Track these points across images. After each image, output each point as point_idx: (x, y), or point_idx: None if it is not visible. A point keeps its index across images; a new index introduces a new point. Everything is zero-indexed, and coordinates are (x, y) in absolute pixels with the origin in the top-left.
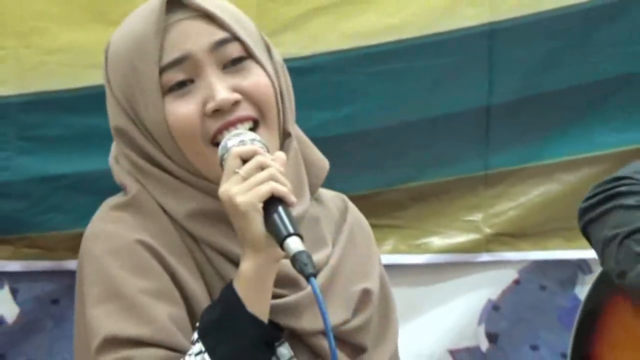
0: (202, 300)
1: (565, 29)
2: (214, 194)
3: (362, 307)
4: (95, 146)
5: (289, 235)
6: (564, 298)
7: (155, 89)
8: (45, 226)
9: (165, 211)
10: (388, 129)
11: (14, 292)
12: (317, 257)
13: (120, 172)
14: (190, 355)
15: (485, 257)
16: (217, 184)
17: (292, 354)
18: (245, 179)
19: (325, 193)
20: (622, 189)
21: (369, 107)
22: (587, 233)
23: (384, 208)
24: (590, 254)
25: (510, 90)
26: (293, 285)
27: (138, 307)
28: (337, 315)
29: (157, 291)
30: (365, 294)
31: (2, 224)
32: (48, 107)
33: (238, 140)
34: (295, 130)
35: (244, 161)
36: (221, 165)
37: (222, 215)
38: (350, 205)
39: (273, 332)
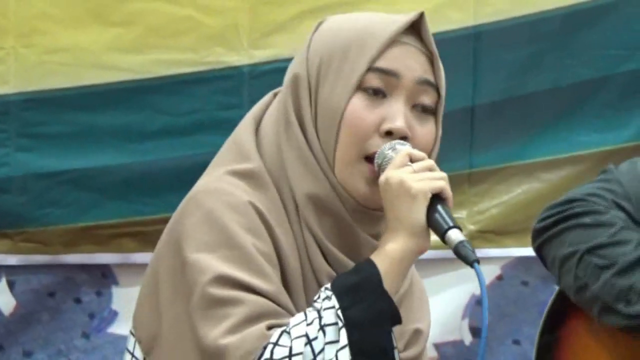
0: (296, 275)
1: (545, 32)
2: (337, 190)
3: (412, 344)
4: (94, 143)
5: (452, 227)
6: (546, 293)
7: (354, 79)
8: (43, 221)
9: (287, 185)
10: None
11: (11, 285)
12: None
13: (249, 137)
14: (313, 310)
15: None
16: (352, 195)
17: (396, 344)
18: (416, 172)
19: None
20: (578, 209)
21: None
22: (542, 253)
23: None
24: None
25: (494, 92)
26: None
27: (253, 260)
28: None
29: (265, 252)
30: (417, 333)
31: (0, 219)
32: (48, 105)
33: (394, 148)
34: None
35: (412, 161)
36: (378, 167)
37: (334, 212)
38: None
39: (398, 314)
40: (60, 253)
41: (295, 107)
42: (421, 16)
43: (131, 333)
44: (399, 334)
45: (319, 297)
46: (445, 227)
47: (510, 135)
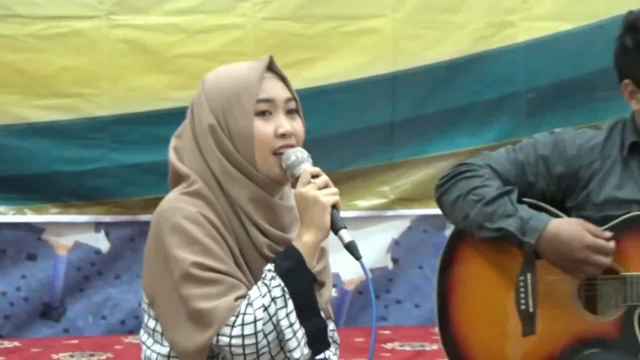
0: (240, 260)
1: (437, 75)
2: (264, 187)
3: (319, 258)
4: (157, 146)
5: (343, 227)
6: (438, 237)
7: (251, 111)
8: (127, 194)
9: (225, 197)
10: (327, 137)
11: (107, 234)
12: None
13: (181, 167)
14: (262, 285)
15: (390, 213)
16: (271, 178)
17: (319, 299)
18: (320, 187)
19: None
20: (462, 168)
21: (320, 122)
22: (440, 201)
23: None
24: None
25: (407, 112)
26: None
27: (214, 252)
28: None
29: (220, 247)
30: (322, 251)
31: (100, 193)
32: (129, 123)
33: (298, 154)
34: None
35: (313, 176)
36: (287, 172)
37: (266, 203)
38: None
39: (317, 280)
40: (138, 214)
41: (220, 148)
42: (271, 58)
43: (143, 290)
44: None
45: (266, 277)
46: (340, 226)
47: (416, 138)
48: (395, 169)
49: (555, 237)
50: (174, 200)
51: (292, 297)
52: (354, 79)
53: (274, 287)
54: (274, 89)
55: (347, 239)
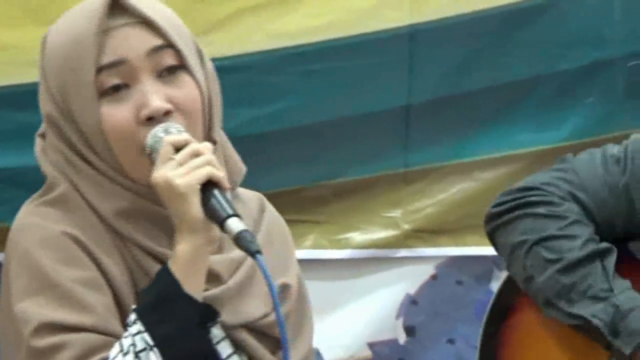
0: (127, 291)
1: (482, 31)
2: (140, 194)
3: (281, 301)
4: (27, 141)
5: (230, 216)
6: (480, 292)
7: (90, 90)
8: None
9: (92, 208)
10: (311, 127)
11: None
12: (237, 252)
13: (48, 166)
14: (127, 336)
15: (403, 252)
16: (144, 185)
17: (225, 335)
18: (181, 164)
19: (244, 192)
20: (533, 198)
21: (293, 106)
22: (493, 238)
23: (306, 204)
24: None
25: (430, 90)
26: (214, 280)
27: (71, 296)
28: (257, 308)
29: (87, 280)
30: (284, 288)
31: None
32: None
33: (166, 130)
34: (220, 136)
35: (177, 149)
36: (149, 156)
37: (148, 215)
38: (268, 204)
39: (209, 311)
40: None
41: (68, 145)
42: None
43: None
44: (265, 294)
45: (129, 322)
46: (223, 216)
47: (446, 134)
48: (412, 181)
49: None
50: (27, 213)
51: (162, 346)
52: (345, 35)
53: (136, 334)
54: (126, 43)
55: (237, 228)
